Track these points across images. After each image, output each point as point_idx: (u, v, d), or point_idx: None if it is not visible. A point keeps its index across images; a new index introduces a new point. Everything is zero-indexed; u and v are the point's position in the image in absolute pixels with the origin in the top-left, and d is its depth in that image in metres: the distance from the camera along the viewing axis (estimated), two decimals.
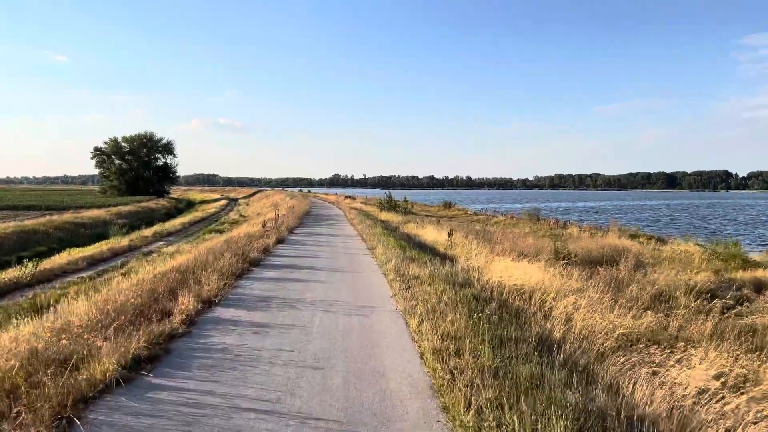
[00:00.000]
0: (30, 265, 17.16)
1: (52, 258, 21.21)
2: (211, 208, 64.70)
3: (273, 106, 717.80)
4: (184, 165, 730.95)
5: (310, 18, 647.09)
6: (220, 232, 27.70)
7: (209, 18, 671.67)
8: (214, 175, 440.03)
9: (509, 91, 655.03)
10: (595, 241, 18.57)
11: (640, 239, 23.08)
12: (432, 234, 20.98)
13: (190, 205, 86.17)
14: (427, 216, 37.57)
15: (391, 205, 39.52)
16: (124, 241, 25.67)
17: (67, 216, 43.77)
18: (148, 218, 54.55)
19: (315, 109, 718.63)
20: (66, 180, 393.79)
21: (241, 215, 45.67)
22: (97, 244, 25.30)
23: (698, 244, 19.31)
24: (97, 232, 36.65)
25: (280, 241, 19.61)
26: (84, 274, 17.64)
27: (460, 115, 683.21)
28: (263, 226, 22.11)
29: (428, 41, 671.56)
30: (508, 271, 11.67)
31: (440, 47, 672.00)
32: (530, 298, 9.47)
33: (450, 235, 18.73)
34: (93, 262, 20.40)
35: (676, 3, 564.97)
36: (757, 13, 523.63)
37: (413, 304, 9.03)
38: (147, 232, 31.14)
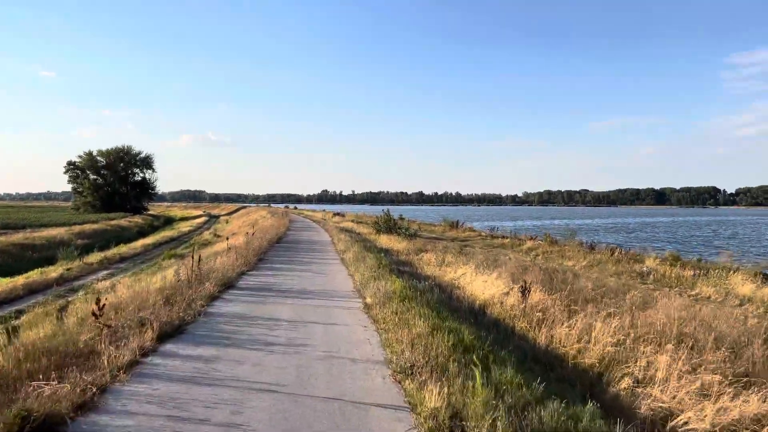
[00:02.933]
0: None
1: None
2: (186, 227, 59.78)
3: (262, 122, 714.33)
4: (172, 181, 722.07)
5: (299, 33, 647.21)
6: (182, 257, 22.99)
7: (199, 33, 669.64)
8: (201, 192, 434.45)
9: (498, 107, 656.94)
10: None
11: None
12: (479, 284, 12.49)
13: (168, 222, 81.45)
14: (435, 239, 31.34)
15: (389, 226, 31.50)
16: (56, 272, 20.84)
17: (17, 237, 38.79)
18: (117, 237, 49.50)
19: (304, 125, 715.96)
20: (49, 196, 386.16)
21: (215, 234, 40.88)
22: (21, 276, 20.42)
23: None
24: (46, 255, 31.64)
25: (212, 297, 10.99)
26: None
27: (448, 130, 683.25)
28: (191, 271, 12.22)
29: (417, 55, 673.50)
30: None
31: (429, 61, 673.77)
32: None
33: (525, 292, 10.18)
34: None
35: (662, 22, 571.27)
36: (742, 32, 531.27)
37: None
38: (96, 256, 26.32)
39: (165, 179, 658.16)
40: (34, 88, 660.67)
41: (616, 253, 21.65)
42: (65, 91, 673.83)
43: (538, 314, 9.26)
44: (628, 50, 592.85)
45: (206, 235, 41.67)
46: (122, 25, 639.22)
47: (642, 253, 22.44)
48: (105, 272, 22.40)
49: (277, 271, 15.45)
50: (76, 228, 49.09)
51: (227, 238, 23.74)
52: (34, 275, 20.21)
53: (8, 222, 55.14)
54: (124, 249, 30.50)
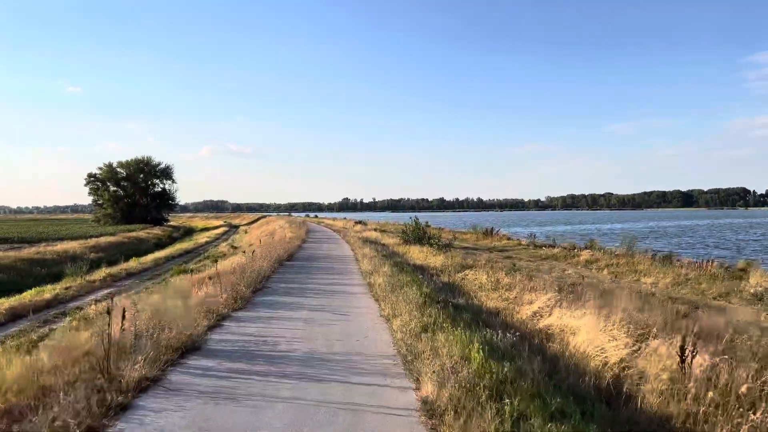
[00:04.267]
0: None
1: None
2: (204, 238, 58.12)
3: (282, 132, 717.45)
4: (195, 192, 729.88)
5: (316, 43, 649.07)
6: (190, 272, 20.97)
7: (218, 45, 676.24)
8: (223, 202, 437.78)
9: (518, 112, 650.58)
10: None
11: None
12: (579, 328, 8.44)
13: (187, 233, 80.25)
14: (470, 250, 28.06)
15: (418, 236, 27.45)
16: (53, 291, 18.97)
17: (29, 251, 37.33)
18: (134, 250, 48.13)
19: (323, 134, 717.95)
20: (75, 209, 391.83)
21: (232, 246, 39.01)
22: (14, 296, 18.55)
23: None
24: (55, 271, 29.94)
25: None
26: None
27: (469, 136, 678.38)
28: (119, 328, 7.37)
29: (437, 64, 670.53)
30: None
31: (449, 70, 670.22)
32: None
33: (684, 354, 6.10)
34: None
35: (681, 21, 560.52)
36: (764, 31, 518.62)
37: None
38: (102, 272, 24.47)
39: (188, 190, 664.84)
40: (61, 104, 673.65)
41: (710, 267, 17.55)
42: (90, 105, 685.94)
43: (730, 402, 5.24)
44: (647, 52, 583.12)
45: (222, 246, 39.81)
46: (144, 41, 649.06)
47: (731, 264, 19.08)
48: (106, 291, 20.44)
49: (277, 309, 11.26)
50: (91, 241, 47.67)
51: (244, 252, 21.70)
52: (29, 295, 18.33)
53: (25, 236, 54.12)
54: (132, 264, 28.63)
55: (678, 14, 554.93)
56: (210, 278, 13.75)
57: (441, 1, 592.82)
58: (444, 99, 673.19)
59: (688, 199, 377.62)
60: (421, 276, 15.05)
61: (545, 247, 29.48)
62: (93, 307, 14.59)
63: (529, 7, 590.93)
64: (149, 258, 32.26)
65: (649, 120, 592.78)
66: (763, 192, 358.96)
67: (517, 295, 11.89)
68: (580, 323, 8.62)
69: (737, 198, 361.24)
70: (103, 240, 49.74)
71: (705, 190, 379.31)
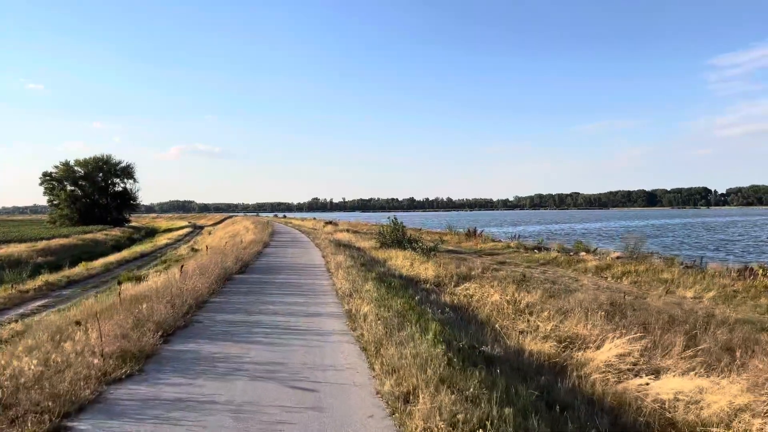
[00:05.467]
0: None
1: None
2: (164, 240, 55.05)
3: (252, 132, 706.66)
4: (162, 192, 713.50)
5: (286, 41, 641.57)
6: (138, 280, 18.47)
7: (186, 44, 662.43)
8: (190, 202, 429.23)
9: (485, 112, 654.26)
10: None
11: None
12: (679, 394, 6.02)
13: (150, 234, 76.85)
14: (456, 254, 24.87)
15: (397, 238, 24.47)
16: None
17: None
18: (89, 252, 44.94)
19: (293, 133, 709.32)
20: (35, 210, 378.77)
21: (192, 248, 36.31)
22: None
23: None
24: None
25: None
26: None
27: (438, 136, 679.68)
28: None
29: (404, 61, 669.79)
30: None
31: (416, 67, 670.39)
32: None
33: None
34: None
35: (644, 24, 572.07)
36: (724, 35, 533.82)
37: None
38: (40, 279, 21.73)
39: (155, 191, 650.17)
40: (22, 102, 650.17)
41: (758, 276, 14.87)
42: (53, 103, 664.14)
43: None
44: (610, 53, 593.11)
45: (182, 249, 37.08)
46: (110, 38, 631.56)
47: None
48: (38, 303, 17.80)
49: (193, 376, 6.78)
50: (41, 244, 44.27)
51: (220, 247, 19.07)
52: None
53: None
54: (78, 270, 25.85)
55: (642, 16, 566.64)
56: (122, 302, 10.13)
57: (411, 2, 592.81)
58: (415, 98, 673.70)
59: (651, 198, 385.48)
60: (414, 292, 12.08)
61: (537, 250, 26.91)
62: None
63: (496, 3, 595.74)
64: (99, 263, 29.42)
65: (613, 120, 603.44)
66: (724, 191, 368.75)
67: (557, 326, 8.91)
68: (719, 399, 5.62)
69: (699, 197, 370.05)
70: (54, 242, 46.33)
71: (668, 189, 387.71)
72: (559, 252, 24.33)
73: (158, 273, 17.50)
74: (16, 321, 13.26)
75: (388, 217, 27.18)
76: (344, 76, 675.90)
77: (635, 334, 7.86)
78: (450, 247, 27.52)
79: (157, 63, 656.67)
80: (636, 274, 17.81)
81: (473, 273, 15.67)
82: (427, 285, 14.40)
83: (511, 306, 10.56)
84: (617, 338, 7.59)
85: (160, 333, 8.41)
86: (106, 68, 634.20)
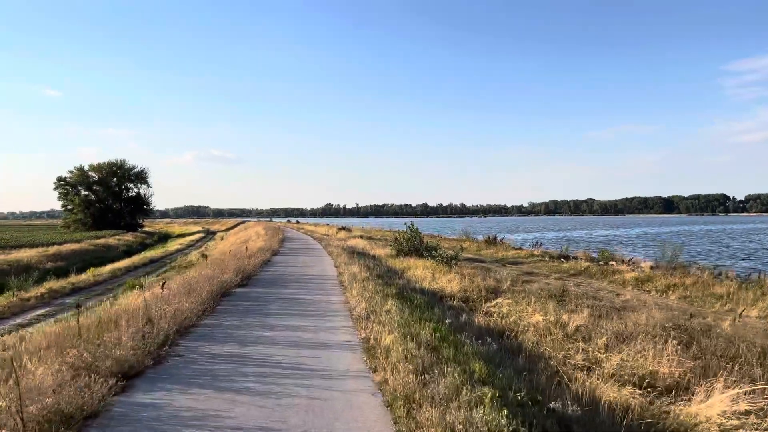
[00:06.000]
0: None
1: None
2: (176, 245, 54.45)
3: (265, 137, 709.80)
4: (176, 197, 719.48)
5: (300, 48, 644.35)
6: (141, 287, 17.62)
7: (201, 50, 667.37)
8: (204, 207, 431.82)
9: (501, 118, 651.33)
10: None
11: None
12: None
13: (162, 239, 76.48)
14: (477, 262, 22.99)
15: (414, 245, 22.89)
16: None
17: None
18: (100, 258, 44.45)
19: (307, 140, 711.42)
20: (52, 214, 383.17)
21: (203, 255, 35.45)
22: None
23: None
24: (1, 282, 26.31)
25: None
26: None
27: (452, 142, 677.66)
28: None
29: (417, 67, 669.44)
30: None
31: (430, 74, 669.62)
32: None
33: None
34: None
35: (660, 28, 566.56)
36: (741, 40, 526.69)
37: None
38: (44, 286, 20.96)
39: (170, 196, 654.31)
40: (40, 108, 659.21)
41: None
42: (70, 109, 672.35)
43: None
44: (626, 58, 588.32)
45: (193, 255, 36.28)
46: (125, 45, 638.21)
47: None
48: (38, 312, 16.99)
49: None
50: (52, 249, 43.80)
51: (231, 253, 18.08)
52: None
53: None
54: (84, 276, 25.09)
55: (657, 21, 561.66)
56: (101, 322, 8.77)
57: (422, 3, 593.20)
58: (430, 103, 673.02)
59: (668, 205, 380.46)
60: (442, 312, 10.34)
61: (564, 258, 24.83)
62: None
63: (511, 9, 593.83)
64: (107, 269, 28.67)
65: (629, 126, 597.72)
66: (743, 198, 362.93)
67: (624, 360, 7.13)
68: None
69: (717, 204, 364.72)
70: (65, 248, 45.86)
71: (686, 196, 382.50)
72: (589, 261, 22.60)
73: (190, 268, 16.52)
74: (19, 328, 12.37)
75: (405, 223, 25.63)
76: (357, 83, 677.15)
77: (733, 374, 6.36)
78: (470, 255, 25.79)
79: (172, 70, 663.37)
80: (683, 287, 15.99)
81: (503, 286, 14.20)
82: (454, 301, 12.74)
83: (558, 329, 8.94)
84: (722, 385, 5.76)
85: (118, 377, 6.31)
86: (121, 75, 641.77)
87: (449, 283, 14.74)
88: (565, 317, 9.53)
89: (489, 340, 8.22)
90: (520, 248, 28.75)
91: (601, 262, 21.38)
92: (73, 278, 24.18)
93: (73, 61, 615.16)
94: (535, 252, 27.34)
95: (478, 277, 15.29)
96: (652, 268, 19.14)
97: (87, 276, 25.19)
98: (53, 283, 21.82)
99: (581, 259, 23.11)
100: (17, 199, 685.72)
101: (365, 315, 10.19)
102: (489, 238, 32.42)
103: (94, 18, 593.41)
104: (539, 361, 7.88)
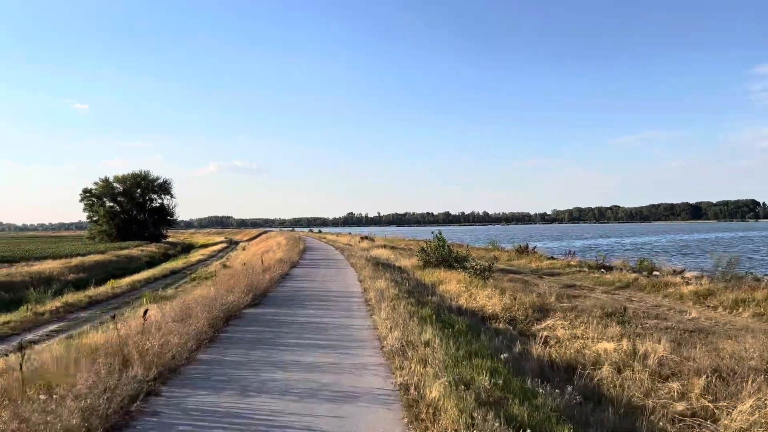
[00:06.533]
0: None
1: None
2: (198, 256, 54.22)
3: (287, 148, 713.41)
4: (200, 208, 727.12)
5: (321, 58, 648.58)
6: (166, 300, 16.99)
7: (223, 62, 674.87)
8: (228, 217, 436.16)
9: (523, 125, 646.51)
10: None
11: None
12: None
13: (185, 249, 76.64)
14: (511, 273, 21.61)
15: (442, 255, 21.28)
16: None
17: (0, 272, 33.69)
18: (122, 269, 44.32)
19: (328, 150, 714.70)
20: (80, 226, 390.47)
21: (224, 265, 34.95)
22: None
23: None
24: (21, 295, 25.98)
25: None
26: None
27: (474, 150, 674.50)
28: None
29: (439, 77, 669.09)
30: None
31: (451, 83, 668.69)
32: None
33: None
34: None
35: (684, 33, 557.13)
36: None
37: None
38: (59, 300, 20.46)
39: (194, 207, 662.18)
40: (68, 122, 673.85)
41: None
42: (97, 123, 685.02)
43: None
44: (648, 64, 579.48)
45: (213, 266, 35.80)
46: (149, 59, 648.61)
47: None
48: (51, 327, 16.38)
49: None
50: (75, 260, 43.73)
51: (253, 262, 17.31)
52: None
53: (6, 255, 50.13)
54: (103, 289, 24.59)
55: (681, 25, 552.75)
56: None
57: (445, 14, 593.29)
58: (450, 113, 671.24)
59: (696, 211, 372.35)
60: (489, 340, 8.76)
61: (604, 269, 22.79)
62: None
63: (529, 19, 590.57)
64: (126, 281, 28.20)
65: (653, 133, 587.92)
66: None
67: (751, 412, 5.51)
68: None
69: (747, 210, 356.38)
70: (88, 259, 45.81)
71: (714, 202, 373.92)
72: (632, 272, 20.54)
73: (211, 278, 15.82)
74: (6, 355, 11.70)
75: (432, 232, 23.97)
76: (378, 95, 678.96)
77: None
78: (501, 266, 23.80)
79: (195, 84, 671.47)
80: (755, 303, 13.72)
81: (549, 302, 12.48)
82: (499, 324, 10.96)
83: (637, 363, 7.13)
84: None
85: None
86: (147, 89, 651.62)
87: (489, 300, 13.02)
88: (640, 346, 7.77)
89: (557, 380, 6.74)
90: (554, 258, 27.08)
91: (644, 273, 19.83)
92: (92, 291, 23.68)
93: (100, 76, 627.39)
94: (572, 262, 25.64)
95: (521, 293, 13.72)
96: (698, 278, 17.56)
97: (105, 288, 24.69)
98: (70, 297, 21.31)
99: (621, 269, 21.37)
100: (48, 211, 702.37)
101: (399, 347, 8.37)
102: (521, 247, 30.79)
103: (117, 33, 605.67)
104: (633, 415, 6.23)
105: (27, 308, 18.35)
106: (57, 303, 19.78)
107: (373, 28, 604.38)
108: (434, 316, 10.46)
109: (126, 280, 28.39)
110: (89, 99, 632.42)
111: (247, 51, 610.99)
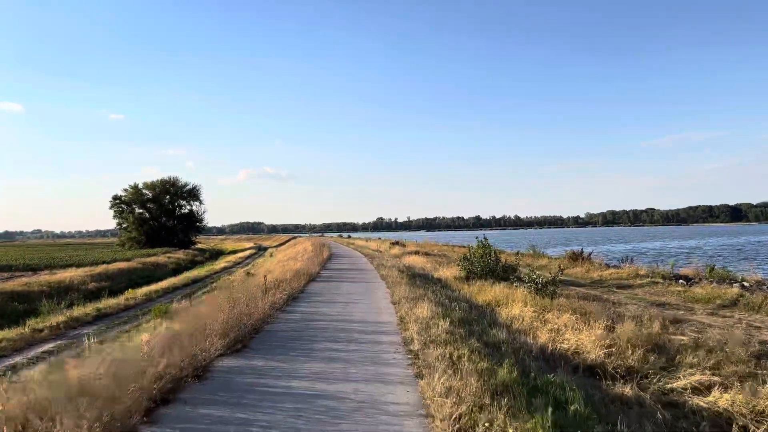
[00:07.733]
0: None
1: None
2: (223, 263, 52.71)
3: (316, 154, 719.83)
4: (232, 215, 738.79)
5: (349, 65, 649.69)
6: (173, 314, 14.97)
7: (253, 70, 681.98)
8: (259, 223, 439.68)
9: (555, 127, 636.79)
10: None
11: None
12: None
13: (214, 256, 75.50)
14: (572, 286, 18.77)
15: (488, 265, 18.14)
16: None
17: (18, 281, 32.39)
18: (147, 277, 42.95)
19: (358, 155, 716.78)
20: (114, 233, 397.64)
21: (248, 273, 32.97)
22: None
23: None
24: (36, 306, 24.46)
25: None
26: None
27: (505, 153, 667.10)
28: None
29: (470, 83, 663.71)
30: None
31: (481, 88, 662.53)
32: None
33: None
34: None
35: (718, 32, 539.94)
36: None
37: None
38: (63, 315, 18.67)
39: (226, 213, 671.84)
40: (105, 131, 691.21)
41: None
42: (132, 132, 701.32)
43: None
44: (682, 64, 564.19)
45: (238, 274, 33.89)
46: (181, 69, 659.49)
47: None
48: (45, 347, 14.49)
49: None
50: (99, 268, 42.55)
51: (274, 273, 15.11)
52: None
53: (31, 263, 49.37)
54: (113, 301, 22.78)
55: (715, 25, 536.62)
56: None
57: (472, 20, 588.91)
58: (480, 117, 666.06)
59: (736, 213, 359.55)
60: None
61: (685, 280, 18.85)
62: None
63: (558, 20, 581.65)
64: (142, 291, 26.44)
65: (689, 133, 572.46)
66: None
67: None
68: None
69: None
70: (113, 266, 44.62)
71: (754, 203, 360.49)
72: (728, 284, 16.62)
73: (231, 288, 13.68)
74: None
75: (477, 237, 20.66)
76: (406, 98, 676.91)
77: None
78: (567, 278, 20.93)
79: (227, 92, 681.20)
80: None
81: (658, 335, 8.75)
82: (608, 381, 7.13)
83: None
84: None
85: None
86: (179, 99, 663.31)
87: (576, 335, 9.01)
88: None
89: None
90: (617, 266, 23.33)
91: (737, 286, 16.31)
92: (103, 302, 21.92)
93: (134, 87, 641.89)
94: (640, 271, 21.37)
95: (603, 315, 10.05)
96: None
97: (118, 300, 22.91)
98: (77, 310, 19.54)
99: (709, 280, 17.38)
100: (86, 218, 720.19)
101: None
102: (574, 253, 26.69)
103: (150, 44, 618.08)
104: None
105: (25, 325, 16.54)
106: (60, 317, 17.96)
107: (399, 37, 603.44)
108: (519, 376, 6.57)
109: (143, 290, 26.64)
110: (124, 108, 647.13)
111: (276, 60, 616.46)
